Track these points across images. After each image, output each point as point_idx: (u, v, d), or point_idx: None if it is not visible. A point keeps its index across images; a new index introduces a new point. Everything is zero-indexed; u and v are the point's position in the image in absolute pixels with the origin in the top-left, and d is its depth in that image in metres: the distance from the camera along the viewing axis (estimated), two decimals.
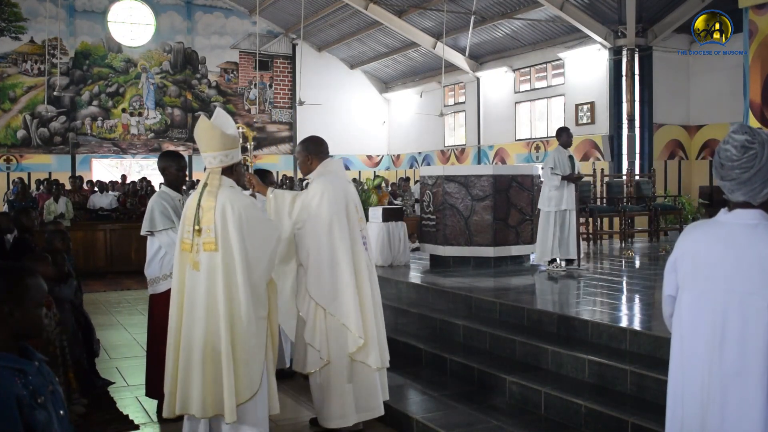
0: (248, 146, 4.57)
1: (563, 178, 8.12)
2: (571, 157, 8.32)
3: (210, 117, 4.10)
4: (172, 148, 22.41)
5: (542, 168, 8.42)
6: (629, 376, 4.45)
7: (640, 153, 16.13)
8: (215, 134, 3.85)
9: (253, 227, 3.78)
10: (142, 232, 4.84)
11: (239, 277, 3.69)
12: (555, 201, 8.21)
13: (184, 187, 5.49)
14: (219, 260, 3.70)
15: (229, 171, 3.90)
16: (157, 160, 5.11)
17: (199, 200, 3.80)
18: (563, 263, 8.29)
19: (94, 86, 21.62)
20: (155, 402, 5.02)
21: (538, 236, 8.41)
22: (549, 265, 8.28)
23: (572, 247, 8.24)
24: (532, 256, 9.05)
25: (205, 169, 3.96)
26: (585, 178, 13.05)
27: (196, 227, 3.75)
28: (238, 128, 4.24)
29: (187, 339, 3.72)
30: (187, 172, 5.08)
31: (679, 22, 15.50)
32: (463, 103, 22.54)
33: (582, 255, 8.51)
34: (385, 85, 25.92)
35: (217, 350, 3.66)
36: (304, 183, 4.87)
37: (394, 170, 25.51)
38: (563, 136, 8.41)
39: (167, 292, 4.20)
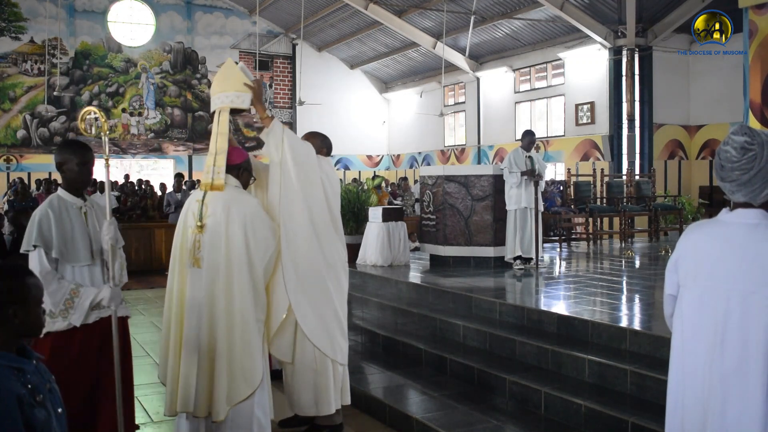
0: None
1: (522, 173, 8.31)
2: (530, 158, 8.48)
3: None
4: (172, 148, 22.48)
5: (501, 169, 8.57)
6: (629, 376, 4.45)
7: (640, 153, 16.15)
8: (233, 73, 3.98)
9: (257, 228, 3.78)
10: (21, 250, 3.40)
11: (238, 274, 3.68)
12: (515, 199, 8.40)
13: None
14: (222, 254, 3.69)
15: (236, 172, 3.91)
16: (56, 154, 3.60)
17: (204, 197, 3.80)
18: (518, 261, 8.39)
19: (94, 86, 21.63)
20: (155, 402, 5.01)
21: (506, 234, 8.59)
22: (514, 261, 8.40)
23: (532, 245, 8.39)
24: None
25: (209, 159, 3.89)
26: (585, 178, 13.08)
27: (198, 223, 3.75)
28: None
29: (188, 337, 3.70)
30: (92, 168, 3.58)
31: (679, 22, 15.51)
32: (463, 103, 22.54)
33: (569, 254, 8.52)
34: (385, 85, 25.92)
35: (215, 348, 3.65)
36: None
37: (394, 170, 25.52)
38: (525, 139, 8.69)
39: (65, 333, 3.28)
